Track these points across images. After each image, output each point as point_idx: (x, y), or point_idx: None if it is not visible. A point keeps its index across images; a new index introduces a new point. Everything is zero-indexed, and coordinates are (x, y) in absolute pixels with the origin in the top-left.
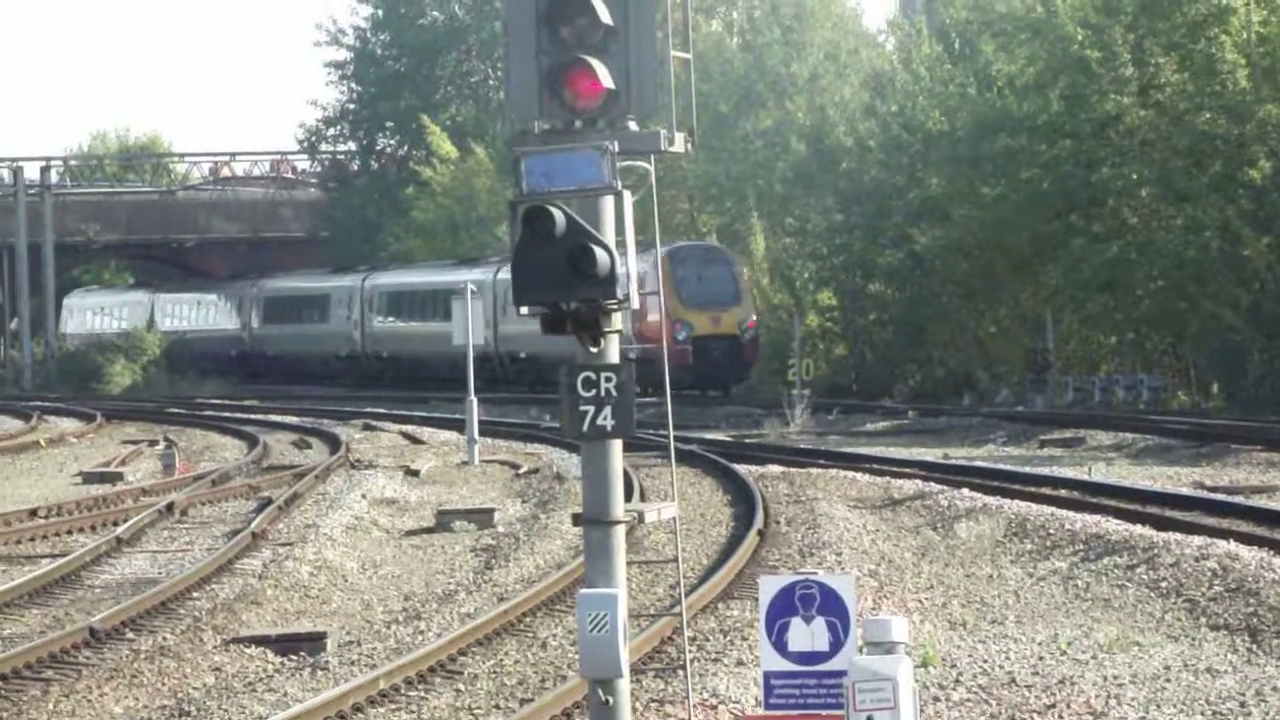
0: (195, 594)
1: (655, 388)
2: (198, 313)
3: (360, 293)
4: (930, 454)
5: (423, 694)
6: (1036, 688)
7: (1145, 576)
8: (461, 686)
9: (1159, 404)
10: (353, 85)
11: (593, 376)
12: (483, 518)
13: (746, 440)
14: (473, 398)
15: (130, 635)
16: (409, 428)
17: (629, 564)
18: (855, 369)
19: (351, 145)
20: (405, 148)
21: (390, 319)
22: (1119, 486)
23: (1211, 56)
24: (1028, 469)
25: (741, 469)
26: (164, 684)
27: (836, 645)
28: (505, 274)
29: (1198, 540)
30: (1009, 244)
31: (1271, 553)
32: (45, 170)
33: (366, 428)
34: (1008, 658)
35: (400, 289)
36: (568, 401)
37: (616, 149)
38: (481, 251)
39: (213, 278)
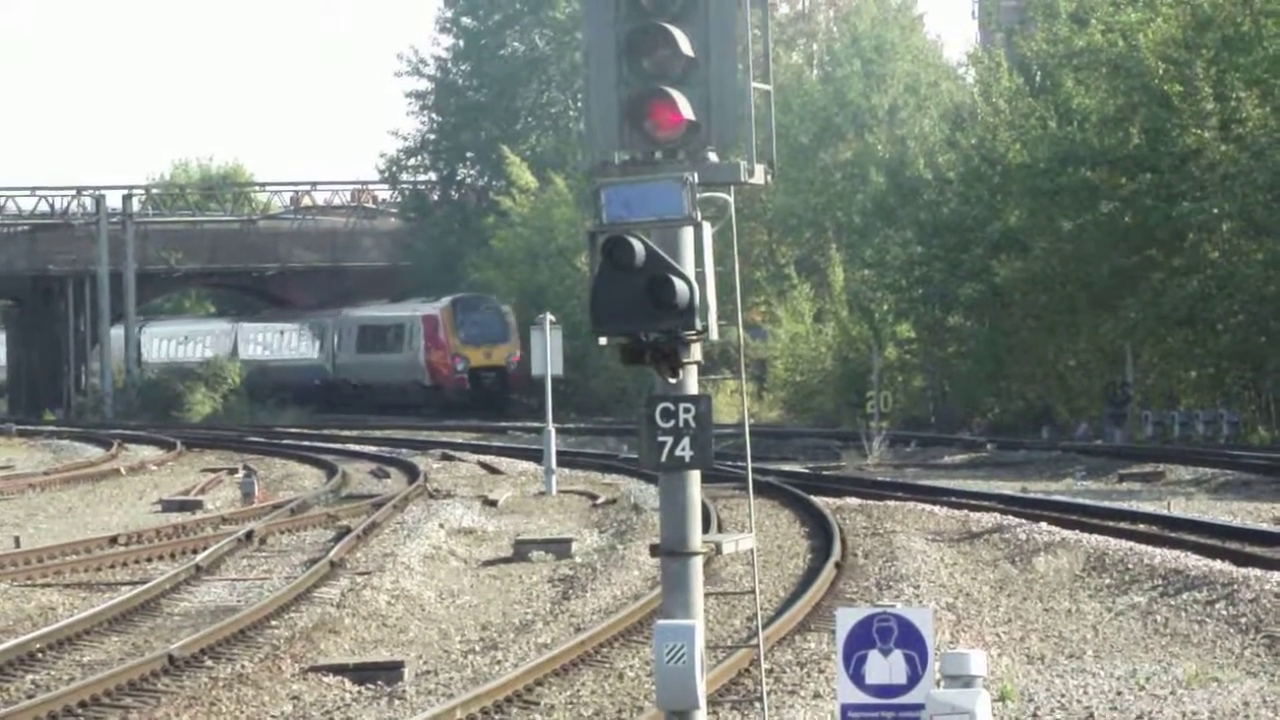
0: (274, 622)
1: (439, 410)
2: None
3: (237, 333)
4: (1008, 487)
5: None
6: None
7: (1225, 612)
8: (538, 717)
9: (1239, 439)
10: (433, 115)
11: (671, 408)
12: (560, 548)
13: (824, 472)
14: (551, 428)
15: (209, 663)
16: (487, 458)
17: (706, 595)
18: (933, 401)
19: (432, 175)
20: (485, 178)
21: (263, 353)
22: (1198, 521)
23: None
24: (1106, 503)
25: (819, 501)
26: (242, 712)
27: (914, 678)
28: (340, 321)
29: (1278, 575)
30: (1089, 277)
31: None
32: (127, 199)
33: (445, 457)
34: (1086, 692)
35: (266, 329)
36: (646, 432)
37: (696, 180)
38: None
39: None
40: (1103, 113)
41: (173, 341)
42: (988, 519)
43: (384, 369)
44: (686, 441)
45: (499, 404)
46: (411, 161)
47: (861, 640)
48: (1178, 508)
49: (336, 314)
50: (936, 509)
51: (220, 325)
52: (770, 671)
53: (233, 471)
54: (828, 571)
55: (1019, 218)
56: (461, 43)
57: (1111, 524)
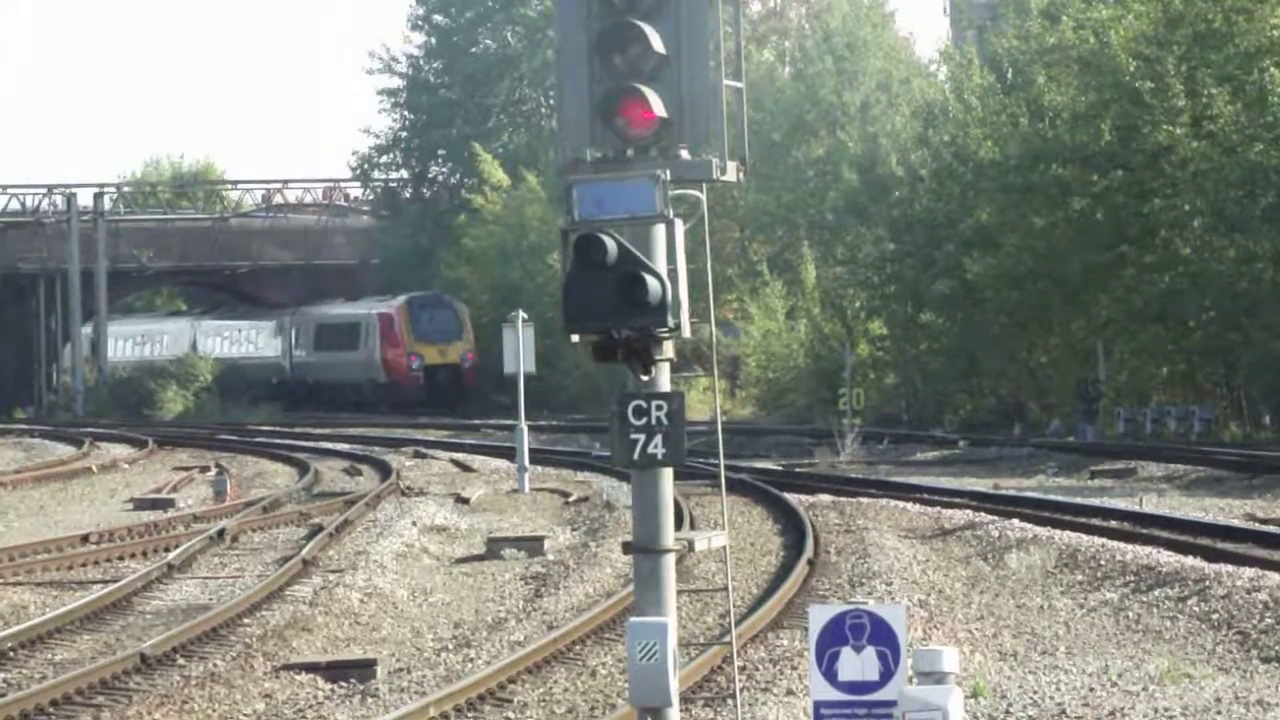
0: (246, 620)
1: (394, 407)
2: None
3: (195, 332)
4: (981, 484)
5: None
6: (1087, 719)
7: (1196, 608)
8: (511, 714)
9: (1210, 435)
10: (405, 113)
11: (643, 405)
12: (533, 545)
13: (797, 469)
14: (523, 425)
15: (181, 661)
16: (460, 455)
17: (679, 593)
18: (906, 398)
19: (404, 173)
20: (457, 175)
21: (221, 346)
22: (1170, 518)
23: (1264, 88)
24: (1078, 500)
25: (792, 498)
26: (214, 710)
27: (887, 675)
28: (298, 319)
29: (1249, 572)
30: (1060, 274)
31: None
32: (99, 197)
33: (417, 455)
34: (1058, 689)
35: (224, 327)
36: (618, 430)
37: (668, 177)
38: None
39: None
40: (1074, 109)
41: (130, 341)
42: (960, 516)
43: (341, 367)
44: (659, 439)
45: (453, 401)
46: (383, 159)
47: (834, 637)
48: (1149, 504)
49: (294, 312)
50: (909, 506)
51: (178, 324)
52: (743, 669)
53: (205, 469)
54: (800, 569)
55: (990, 215)
56: (433, 40)
57: (1083, 521)
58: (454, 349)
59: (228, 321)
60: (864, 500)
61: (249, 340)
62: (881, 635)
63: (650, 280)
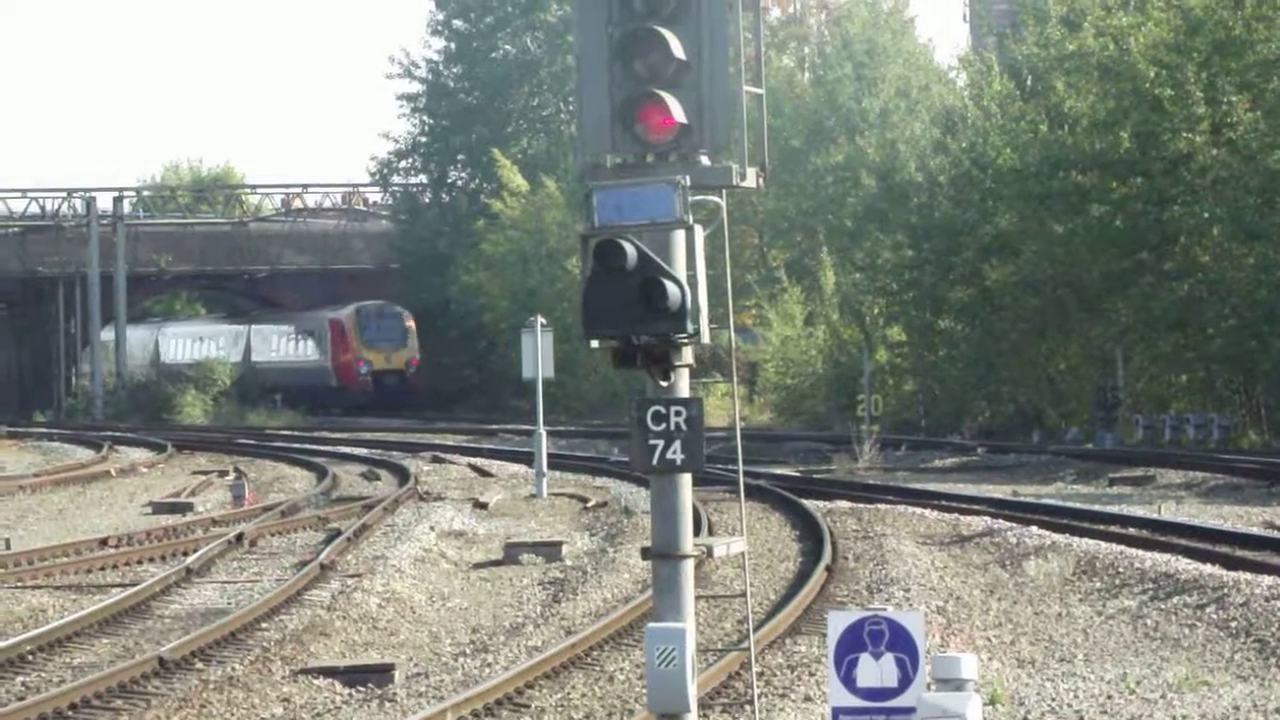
0: (264, 625)
1: (343, 410)
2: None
3: (158, 338)
4: (999, 491)
5: None
6: None
7: (1215, 616)
8: None
9: (1229, 443)
10: (425, 118)
11: (662, 411)
12: (551, 551)
13: (815, 475)
14: (542, 430)
15: (199, 665)
16: (477, 460)
17: (697, 598)
18: (924, 405)
19: (423, 178)
20: (476, 180)
21: (186, 351)
22: (1189, 525)
23: None
24: (1097, 507)
25: (810, 504)
26: (232, 714)
27: (905, 682)
28: (257, 326)
29: (1268, 580)
30: (1079, 281)
31: None
32: (118, 201)
33: (435, 460)
34: (1076, 696)
35: (188, 333)
36: (637, 435)
37: (688, 183)
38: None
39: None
40: (1094, 116)
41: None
42: (978, 523)
43: (296, 371)
44: (678, 445)
45: (399, 404)
46: (402, 164)
47: (852, 643)
48: (1168, 512)
49: (254, 319)
50: (927, 512)
51: (140, 332)
52: (761, 675)
53: (223, 474)
54: (818, 575)
55: (1010, 221)
56: (453, 45)
57: (1102, 528)
58: (399, 355)
59: (191, 327)
60: (882, 507)
61: (210, 348)
62: (900, 642)
63: (669, 286)
